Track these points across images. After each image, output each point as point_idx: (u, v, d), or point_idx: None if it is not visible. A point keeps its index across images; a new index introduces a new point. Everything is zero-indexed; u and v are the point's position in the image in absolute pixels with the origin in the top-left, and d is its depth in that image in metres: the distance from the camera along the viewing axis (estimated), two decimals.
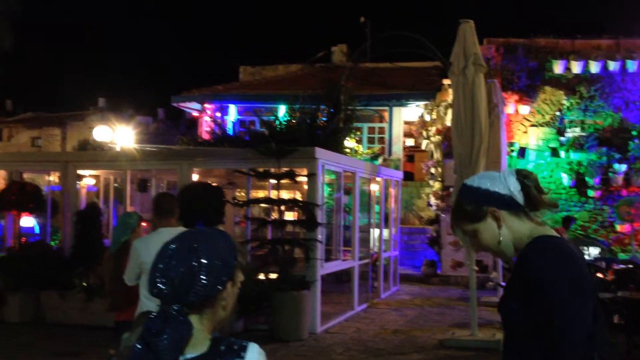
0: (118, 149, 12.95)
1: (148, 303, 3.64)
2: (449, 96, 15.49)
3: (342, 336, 8.17)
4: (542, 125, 14.07)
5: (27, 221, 11.97)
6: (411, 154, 19.20)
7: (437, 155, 14.96)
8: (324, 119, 11.82)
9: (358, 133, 16.13)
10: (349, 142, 14.09)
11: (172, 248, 1.47)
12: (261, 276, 8.19)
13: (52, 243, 10.14)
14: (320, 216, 8.55)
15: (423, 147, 17.02)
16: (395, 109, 17.83)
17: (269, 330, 7.88)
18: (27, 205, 9.19)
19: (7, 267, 8.76)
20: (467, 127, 7.67)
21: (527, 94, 14.03)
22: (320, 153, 8.57)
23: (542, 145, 13.95)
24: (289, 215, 10.66)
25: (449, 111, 15.05)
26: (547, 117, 14.09)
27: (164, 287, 1.43)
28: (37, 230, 12.23)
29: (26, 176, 11.26)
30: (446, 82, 15.90)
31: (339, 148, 11.38)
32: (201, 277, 1.42)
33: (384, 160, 16.36)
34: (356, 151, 14.75)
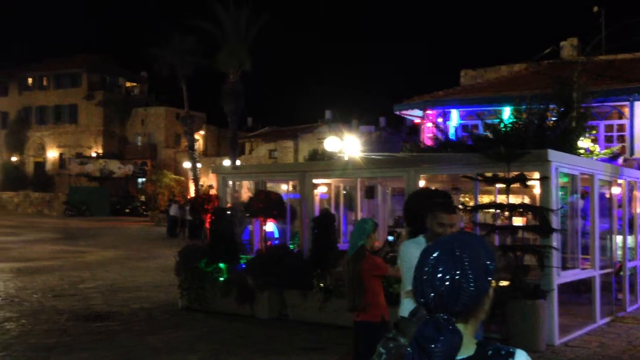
0: (346, 158, 13.68)
1: (410, 302, 3.74)
2: None
3: (584, 351, 7.61)
4: None
5: (269, 226, 13.22)
6: None
7: None
8: (554, 118, 11.13)
9: (593, 132, 14.88)
10: (583, 142, 13.06)
11: (435, 257, 1.48)
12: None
13: (291, 247, 11.05)
14: (555, 222, 8.08)
15: None
16: (637, 104, 16.09)
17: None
18: (271, 212, 10.16)
19: (256, 268, 9.76)
20: None
21: None
22: (554, 155, 8.10)
23: None
24: (516, 221, 10.24)
25: None
26: None
27: (430, 297, 1.45)
28: (276, 234, 13.42)
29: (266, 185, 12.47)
30: None
31: (571, 149, 10.64)
32: (467, 287, 1.43)
33: (625, 160, 14.84)
34: (592, 151, 13.61)
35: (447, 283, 1.44)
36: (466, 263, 1.45)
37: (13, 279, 13.78)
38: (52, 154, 55.98)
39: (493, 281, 1.53)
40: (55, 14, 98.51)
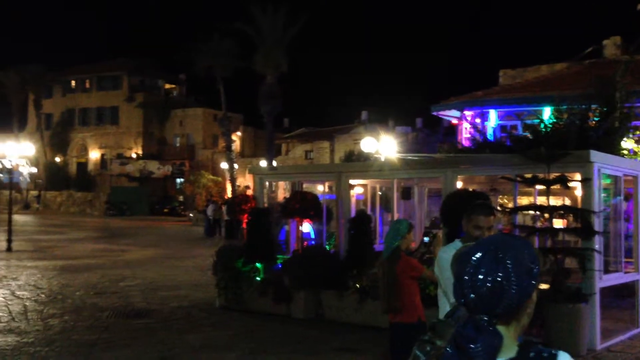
0: (382, 158, 13.65)
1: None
2: None
3: (627, 356, 7.42)
4: None
5: (305, 227, 13.27)
6: None
7: None
8: (596, 119, 10.89)
9: (637, 132, 14.48)
10: (627, 143, 12.73)
11: (477, 257, 1.45)
12: None
13: (327, 247, 11.08)
14: (597, 224, 7.91)
15: None
16: None
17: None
18: (308, 213, 10.21)
19: (293, 268, 9.82)
20: None
21: None
22: (596, 156, 7.94)
23: None
24: (556, 223, 10.06)
25: None
26: None
27: (471, 298, 1.43)
28: (312, 235, 13.47)
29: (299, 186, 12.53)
30: None
31: (614, 150, 10.38)
32: (509, 290, 1.41)
33: None
34: (635, 152, 13.25)
35: (488, 284, 1.42)
36: (509, 265, 1.43)
37: (56, 277, 14.16)
38: (94, 154, 57.36)
39: (537, 285, 1.50)
40: (96, 18, 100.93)
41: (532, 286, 1.45)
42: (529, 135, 9.86)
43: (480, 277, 1.43)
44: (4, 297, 11.31)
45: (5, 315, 9.72)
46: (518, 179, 8.39)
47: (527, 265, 1.45)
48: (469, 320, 1.44)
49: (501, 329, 1.44)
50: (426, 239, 10.60)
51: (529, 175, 8.29)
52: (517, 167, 8.44)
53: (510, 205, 9.85)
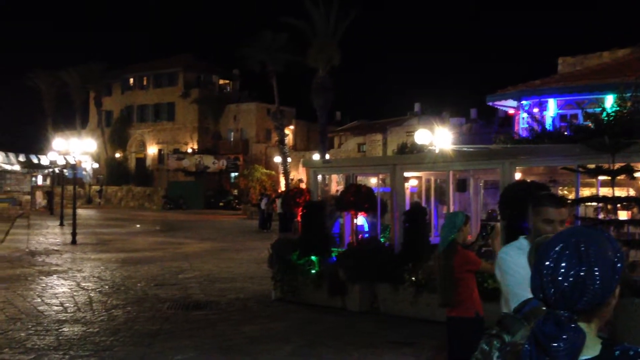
0: (437, 150, 13.46)
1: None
2: None
3: None
4: None
5: (358, 219, 13.24)
6: None
7: None
8: None
9: None
10: None
11: (557, 250, 1.40)
12: None
13: (382, 240, 11.03)
14: None
15: None
16: None
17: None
18: (362, 205, 10.19)
19: (347, 261, 9.83)
20: None
21: None
22: None
23: None
24: (621, 214, 9.69)
25: None
26: None
27: (551, 293, 1.38)
28: (366, 228, 13.44)
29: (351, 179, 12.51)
30: None
31: None
32: (592, 286, 1.35)
33: None
34: None
35: (570, 279, 1.36)
36: (592, 259, 1.37)
37: (119, 269, 14.64)
38: (152, 150, 58.89)
39: (620, 281, 1.42)
40: (152, 16, 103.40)
41: (615, 282, 1.39)
42: (590, 124, 9.54)
43: (562, 271, 1.38)
44: (70, 289, 11.78)
45: (72, 305, 10.12)
46: (580, 169, 8.13)
47: (611, 259, 1.39)
48: (549, 317, 1.38)
49: (583, 326, 1.38)
50: (483, 231, 10.42)
51: (592, 166, 8.01)
52: (579, 158, 8.18)
53: (571, 196, 9.56)
